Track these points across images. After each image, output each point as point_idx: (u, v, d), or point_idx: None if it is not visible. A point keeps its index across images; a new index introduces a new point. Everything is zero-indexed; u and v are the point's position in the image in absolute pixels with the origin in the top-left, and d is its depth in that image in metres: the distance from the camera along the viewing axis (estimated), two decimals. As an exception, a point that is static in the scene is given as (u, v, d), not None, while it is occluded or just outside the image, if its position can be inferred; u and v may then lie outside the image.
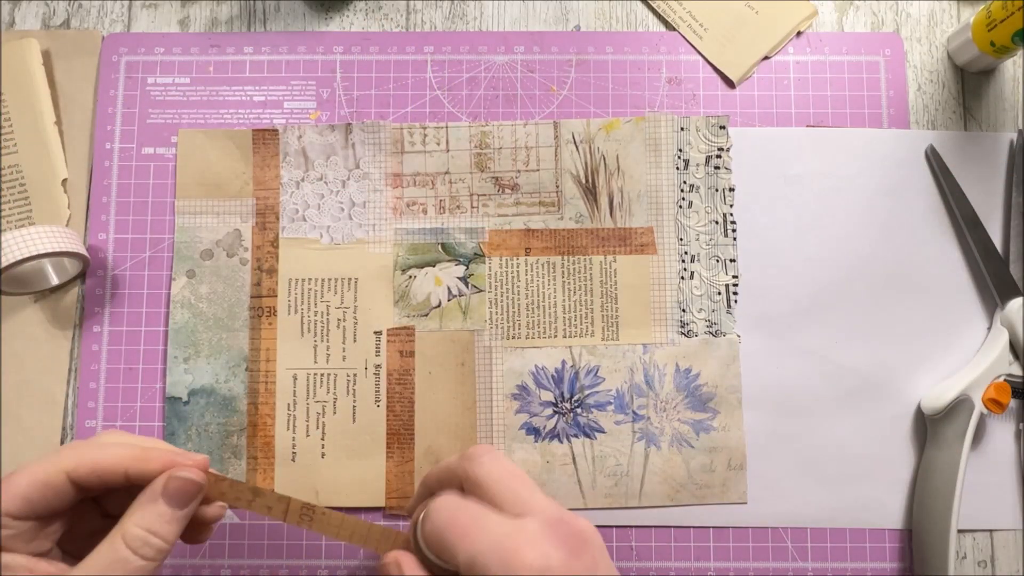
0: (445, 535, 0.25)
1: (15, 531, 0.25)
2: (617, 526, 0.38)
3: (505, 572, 0.23)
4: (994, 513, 0.38)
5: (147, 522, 0.26)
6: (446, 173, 0.40)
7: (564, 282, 0.39)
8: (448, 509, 0.26)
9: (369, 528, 0.30)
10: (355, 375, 0.39)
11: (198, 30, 0.42)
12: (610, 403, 0.38)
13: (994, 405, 0.36)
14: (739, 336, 0.39)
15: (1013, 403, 0.38)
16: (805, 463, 0.38)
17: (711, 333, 0.39)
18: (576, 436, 0.38)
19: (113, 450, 0.26)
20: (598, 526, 0.38)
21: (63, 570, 0.26)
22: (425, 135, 0.40)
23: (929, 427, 0.38)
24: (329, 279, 0.39)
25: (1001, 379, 0.37)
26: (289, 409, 0.38)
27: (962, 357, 0.39)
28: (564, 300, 0.39)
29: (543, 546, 0.24)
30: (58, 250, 0.36)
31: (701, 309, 0.39)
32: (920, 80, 0.42)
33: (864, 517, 0.38)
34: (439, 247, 0.40)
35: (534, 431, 0.38)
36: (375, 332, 0.39)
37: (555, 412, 0.38)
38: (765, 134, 0.40)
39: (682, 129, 0.40)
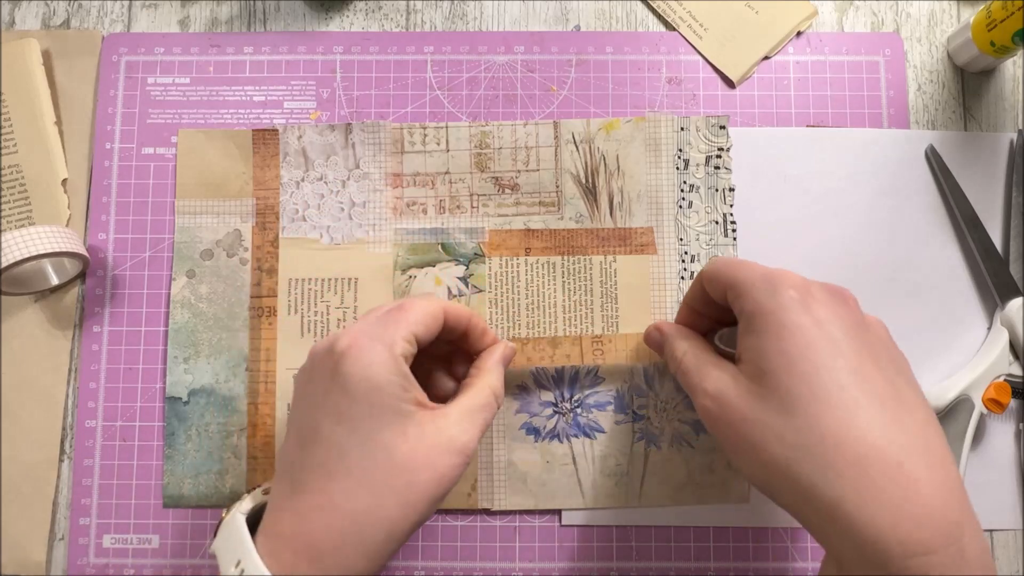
0: (717, 271, 0.30)
1: (411, 353, 0.30)
2: (617, 526, 0.38)
3: (768, 286, 0.27)
4: (994, 513, 0.38)
5: (497, 382, 0.32)
6: (446, 173, 0.40)
7: (564, 282, 0.39)
8: (723, 258, 0.31)
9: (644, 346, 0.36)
10: (355, 375, 0.39)
11: (198, 30, 0.42)
12: (610, 403, 0.38)
13: (994, 405, 0.36)
14: (739, 336, 0.39)
15: (1013, 403, 0.38)
16: (805, 463, 0.38)
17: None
18: (576, 436, 0.38)
19: (456, 306, 0.33)
20: (598, 526, 0.38)
21: (435, 405, 0.30)
22: (425, 135, 0.40)
23: (929, 427, 0.38)
24: (329, 279, 0.39)
25: (1001, 379, 0.37)
26: (289, 409, 0.38)
27: (962, 357, 0.39)
28: (564, 300, 0.39)
29: (805, 277, 0.28)
30: (58, 250, 0.36)
31: (701, 309, 0.39)
32: (920, 80, 0.42)
33: (864, 517, 0.38)
34: (439, 247, 0.40)
35: (534, 431, 0.38)
36: None
37: (555, 412, 0.38)
38: (765, 134, 0.40)
39: (682, 129, 0.40)
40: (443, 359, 0.35)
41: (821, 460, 0.24)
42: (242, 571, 0.26)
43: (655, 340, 0.35)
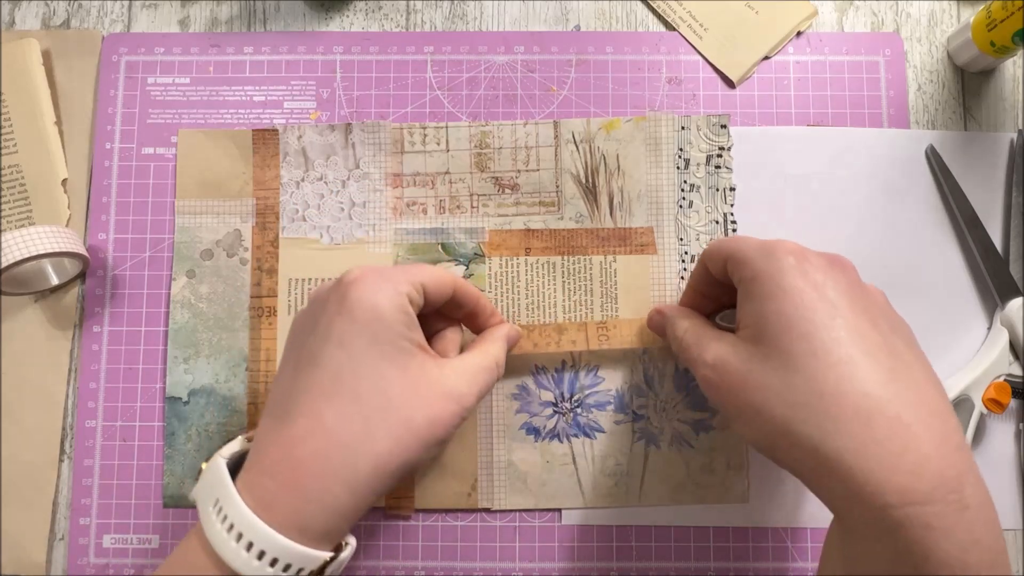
0: (716, 246, 0.31)
1: (417, 302, 0.30)
2: (617, 526, 0.38)
3: (766, 253, 0.28)
4: (994, 513, 0.38)
5: (500, 352, 0.33)
6: (446, 173, 0.40)
7: (564, 282, 0.39)
8: (723, 237, 0.33)
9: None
10: (355, 375, 0.39)
11: (198, 30, 0.42)
12: (610, 403, 0.38)
13: (994, 405, 0.36)
14: (739, 336, 0.39)
15: (1013, 403, 0.38)
16: (805, 463, 0.38)
17: (711, 333, 0.39)
18: (576, 436, 0.38)
19: (467, 283, 0.33)
20: (598, 526, 0.38)
21: (437, 355, 0.31)
22: (425, 135, 0.40)
23: (929, 427, 0.38)
24: (329, 279, 0.39)
25: (1001, 379, 0.37)
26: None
27: (962, 357, 0.39)
28: (564, 300, 0.39)
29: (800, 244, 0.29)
30: (58, 250, 0.36)
31: (701, 309, 0.39)
32: (920, 80, 0.42)
33: (864, 517, 0.38)
34: (439, 247, 0.40)
35: (534, 431, 0.38)
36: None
37: (555, 412, 0.38)
38: (766, 133, 0.40)
39: (683, 128, 0.40)
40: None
41: (820, 415, 0.25)
42: (220, 509, 0.26)
43: (657, 323, 0.36)
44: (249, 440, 0.30)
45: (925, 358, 0.28)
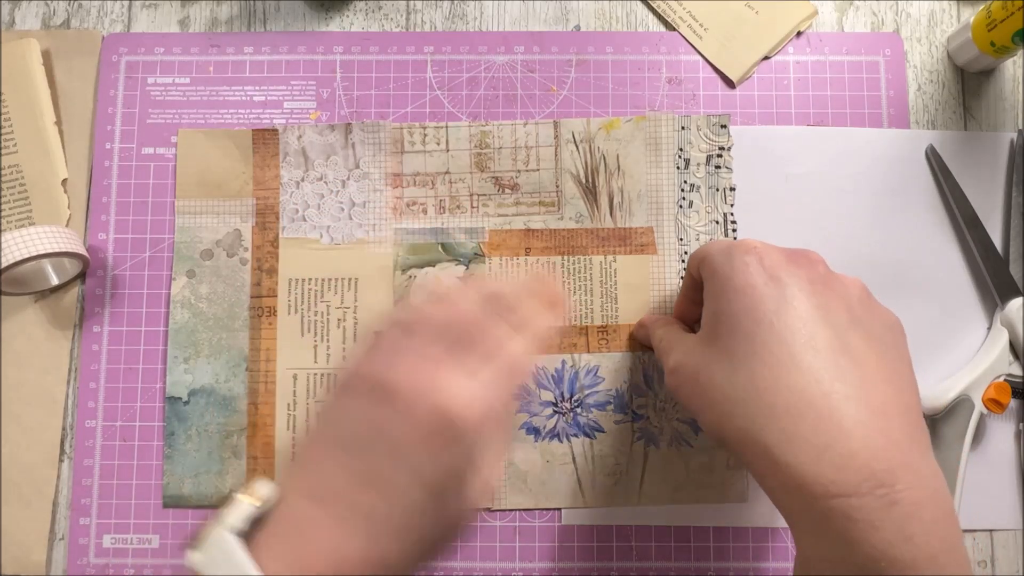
0: (696, 251, 0.31)
1: None
2: (617, 526, 0.38)
3: (727, 253, 0.28)
4: (994, 513, 0.38)
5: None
6: (446, 173, 0.40)
7: (564, 282, 0.39)
8: (703, 245, 0.33)
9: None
10: (355, 375, 0.39)
11: (198, 30, 0.42)
12: (610, 403, 0.38)
13: (994, 405, 0.36)
14: (739, 336, 0.39)
15: (1013, 403, 0.38)
16: (805, 463, 0.38)
17: (711, 333, 0.39)
18: (576, 436, 0.38)
19: None
20: (598, 525, 0.38)
21: None
22: (425, 135, 0.40)
23: (929, 427, 0.38)
24: (329, 279, 0.39)
25: (1001, 379, 0.37)
26: (289, 409, 0.38)
27: (962, 357, 0.39)
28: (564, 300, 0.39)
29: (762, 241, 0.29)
30: (58, 250, 0.36)
31: (701, 309, 0.39)
32: (920, 80, 0.42)
33: (864, 517, 0.38)
34: (439, 247, 0.40)
35: (534, 431, 0.38)
36: (375, 332, 0.39)
37: (555, 412, 0.38)
38: (766, 133, 0.40)
39: (683, 128, 0.40)
40: None
41: (756, 410, 0.26)
42: None
43: (642, 336, 0.38)
44: (257, 502, 0.24)
45: (892, 353, 0.28)
